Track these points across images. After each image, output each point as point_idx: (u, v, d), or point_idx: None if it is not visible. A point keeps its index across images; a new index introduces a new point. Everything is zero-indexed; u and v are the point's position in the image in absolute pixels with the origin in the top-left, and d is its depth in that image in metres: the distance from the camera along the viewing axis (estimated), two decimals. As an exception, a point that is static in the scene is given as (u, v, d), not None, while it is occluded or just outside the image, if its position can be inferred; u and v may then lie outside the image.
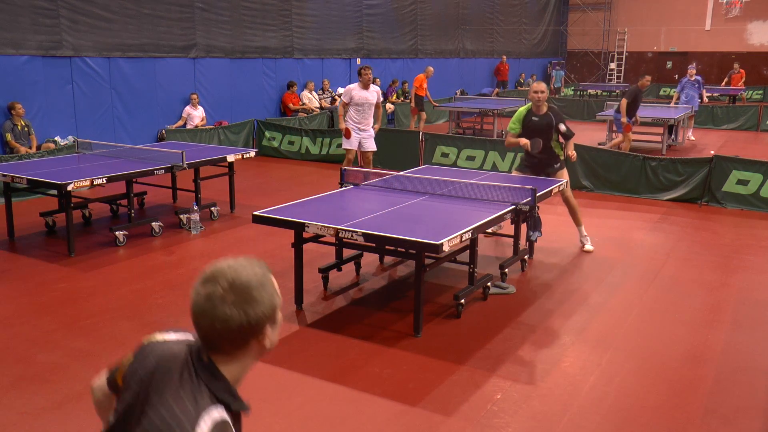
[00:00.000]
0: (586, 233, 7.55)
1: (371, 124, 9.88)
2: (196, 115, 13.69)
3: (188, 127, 13.46)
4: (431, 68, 16.75)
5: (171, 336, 1.87)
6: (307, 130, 13.67)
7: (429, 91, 16.63)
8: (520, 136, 7.33)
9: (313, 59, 17.18)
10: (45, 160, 8.68)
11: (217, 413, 1.70)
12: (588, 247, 7.48)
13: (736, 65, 24.97)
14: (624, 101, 12.79)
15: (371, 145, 9.92)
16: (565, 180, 7.27)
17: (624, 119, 12.77)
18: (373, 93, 9.71)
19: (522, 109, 7.44)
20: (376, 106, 9.81)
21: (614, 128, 13.85)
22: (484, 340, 5.16)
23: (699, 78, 16.94)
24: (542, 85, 7.28)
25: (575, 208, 7.48)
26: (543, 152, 7.25)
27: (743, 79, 24.48)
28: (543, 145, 7.18)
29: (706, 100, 18.07)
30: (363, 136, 9.85)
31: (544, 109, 7.27)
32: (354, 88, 9.71)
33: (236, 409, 1.75)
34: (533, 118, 7.25)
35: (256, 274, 1.79)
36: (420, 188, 6.64)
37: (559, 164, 7.39)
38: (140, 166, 7.86)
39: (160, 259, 7.12)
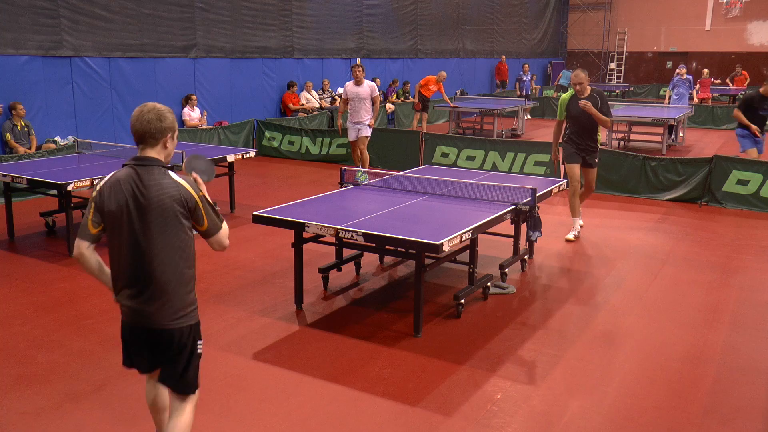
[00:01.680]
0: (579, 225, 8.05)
1: (365, 118, 10.58)
2: (194, 116, 13.70)
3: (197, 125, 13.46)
4: (444, 73, 16.76)
5: (105, 178, 3.09)
6: (307, 130, 13.67)
7: (444, 93, 16.78)
8: (567, 119, 7.88)
9: (313, 59, 17.18)
10: (45, 160, 8.68)
11: (175, 173, 3.06)
12: (569, 236, 7.97)
13: (738, 67, 24.98)
14: (737, 112, 10.44)
15: (363, 132, 10.70)
16: (565, 180, 7.39)
17: (753, 127, 10.21)
18: (365, 88, 10.45)
19: (565, 96, 7.90)
20: (373, 101, 10.59)
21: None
22: (484, 340, 5.17)
23: (690, 77, 17.00)
24: (579, 77, 7.66)
25: (583, 197, 8.06)
26: (586, 137, 7.75)
27: (747, 81, 24.50)
28: (587, 129, 7.70)
29: (696, 99, 18.04)
30: (358, 127, 10.64)
31: (588, 92, 7.70)
32: (349, 84, 10.60)
33: None
34: (579, 100, 7.65)
35: (164, 107, 3.10)
36: (420, 188, 6.65)
37: (597, 157, 7.90)
38: (140, 166, 7.85)
39: (160, 259, 7.11)
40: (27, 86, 10.97)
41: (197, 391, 3.24)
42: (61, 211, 7.87)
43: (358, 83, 10.45)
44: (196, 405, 3.26)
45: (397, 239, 4.92)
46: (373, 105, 10.70)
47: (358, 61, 18.75)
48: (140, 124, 3.01)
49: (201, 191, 3.06)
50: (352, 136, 10.71)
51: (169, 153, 3.11)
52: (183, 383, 3.16)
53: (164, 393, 3.36)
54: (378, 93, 10.70)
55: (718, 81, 24.07)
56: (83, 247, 3.05)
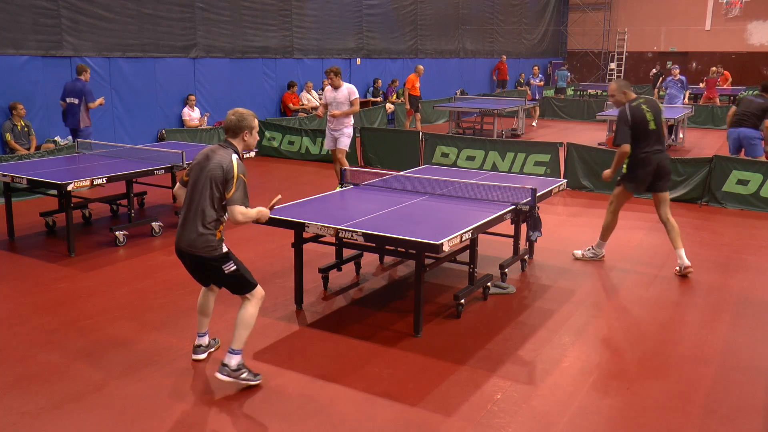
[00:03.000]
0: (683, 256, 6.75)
1: (343, 124, 9.82)
2: (194, 116, 13.71)
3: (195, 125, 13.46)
4: (421, 67, 16.45)
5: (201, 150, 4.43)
6: (307, 130, 13.66)
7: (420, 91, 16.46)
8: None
9: (313, 59, 17.18)
10: (45, 160, 8.68)
11: (236, 156, 4.29)
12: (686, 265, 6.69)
13: (718, 68, 24.64)
14: None
15: (341, 143, 9.90)
16: (565, 180, 7.28)
17: None
18: (342, 92, 9.70)
19: None
20: (351, 103, 9.70)
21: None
22: (484, 340, 5.17)
23: (683, 78, 16.99)
24: (610, 87, 6.81)
25: (670, 229, 6.83)
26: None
27: (729, 81, 24.39)
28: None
29: (686, 101, 17.93)
30: (335, 135, 9.92)
31: (620, 105, 6.75)
32: (328, 88, 9.93)
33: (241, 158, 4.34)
34: None
35: (248, 112, 4.38)
36: (420, 188, 6.64)
37: (619, 175, 6.86)
38: (140, 166, 7.86)
39: (160, 259, 7.12)
40: (27, 86, 10.97)
41: (256, 291, 4.36)
42: (61, 211, 7.87)
43: (334, 87, 9.73)
44: (260, 300, 4.40)
45: (397, 239, 4.92)
46: (352, 106, 9.74)
47: (359, 61, 18.73)
48: (226, 122, 4.32)
49: (242, 175, 4.23)
50: (328, 144, 10.02)
51: (248, 144, 4.39)
52: (232, 289, 4.37)
53: (210, 302, 4.68)
54: (357, 97, 9.75)
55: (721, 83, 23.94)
56: (176, 188, 4.52)
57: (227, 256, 4.28)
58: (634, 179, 6.77)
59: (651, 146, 6.64)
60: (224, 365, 4.31)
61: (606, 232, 7.13)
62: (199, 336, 4.81)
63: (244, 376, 4.34)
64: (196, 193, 4.23)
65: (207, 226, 4.20)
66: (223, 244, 4.29)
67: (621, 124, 6.60)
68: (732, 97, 23.40)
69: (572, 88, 27.52)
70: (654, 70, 26.68)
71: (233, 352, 4.31)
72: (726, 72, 24.56)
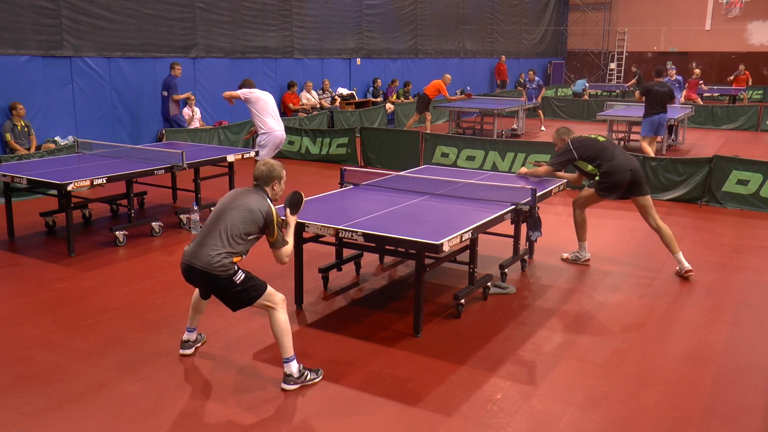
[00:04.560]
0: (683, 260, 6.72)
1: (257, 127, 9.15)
2: (195, 116, 13.70)
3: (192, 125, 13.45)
4: (449, 76, 16.57)
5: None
6: (307, 130, 13.66)
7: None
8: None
9: (313, 59, 17.18)
10: (45, 160, 8.68)
11: (270, 202, 4.46)
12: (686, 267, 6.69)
13: (741, 67, 25.01)
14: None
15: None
16: (564, 180, 7.24)
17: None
18: None
19: None
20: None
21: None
22: (484, 340, 5.17)
23: (679, 78, 17.04)
24: (553, 137, 7.05)
25: (664, 235, 6.74)
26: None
27: (748, 81, 24.62)
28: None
29: (681, 100, 17.95)
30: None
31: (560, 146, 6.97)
32: None
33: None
34: None
35: (276, 162, 4.69)
36: (420, 188, 6.64)
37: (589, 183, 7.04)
38: (140, 166, 7.86)
39: (160, 259, 7.12)
40: (27, 86, 10.97)
41: (274, 298, 4.38)
42: (61, 211, 7.87)
43: None
44: (281, 303, 4.41)
45: (397, 239, 4.92)
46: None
47: (359, 61, 18.69)
48: (257, 172, 4.58)
49: (281, 218, 4.54)
50: None
51: (276, 193, 4.61)
52: (244, 299, 4.35)
53: (204, 302, 4.78)
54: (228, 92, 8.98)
55: (705, 86, 24.14)
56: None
57: (237, 271, 4.34)
58: (606, 189, 6.70)
59: (616, 156, 6.63)
60: (288, 375, 4.37)
61: (581, 231, 7.04)
62: (189, 331, 4.89)
63: (309, 377, 4.44)
64: (223, 221, 4.32)
65: (228, 254, 4.28)
66: (236, 266, 4.34)
67: (560, 155, 6.83)
68: (732, 97, 23.44)
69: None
70: (672, 70, 26.83)
71: (288, 360, 4.37)
72: (747, 72, 24.75)
